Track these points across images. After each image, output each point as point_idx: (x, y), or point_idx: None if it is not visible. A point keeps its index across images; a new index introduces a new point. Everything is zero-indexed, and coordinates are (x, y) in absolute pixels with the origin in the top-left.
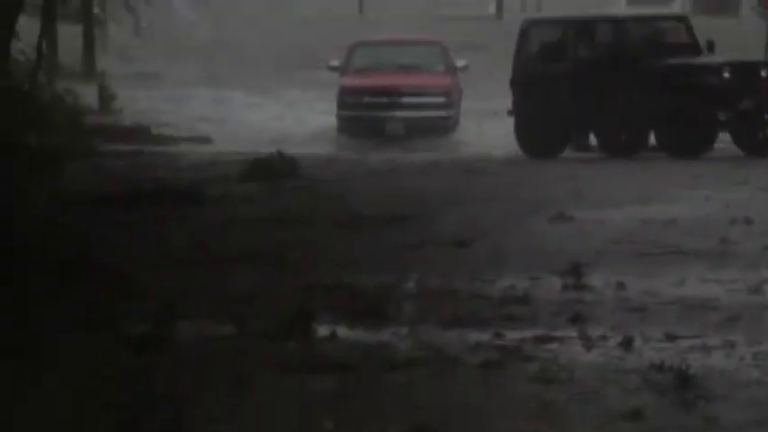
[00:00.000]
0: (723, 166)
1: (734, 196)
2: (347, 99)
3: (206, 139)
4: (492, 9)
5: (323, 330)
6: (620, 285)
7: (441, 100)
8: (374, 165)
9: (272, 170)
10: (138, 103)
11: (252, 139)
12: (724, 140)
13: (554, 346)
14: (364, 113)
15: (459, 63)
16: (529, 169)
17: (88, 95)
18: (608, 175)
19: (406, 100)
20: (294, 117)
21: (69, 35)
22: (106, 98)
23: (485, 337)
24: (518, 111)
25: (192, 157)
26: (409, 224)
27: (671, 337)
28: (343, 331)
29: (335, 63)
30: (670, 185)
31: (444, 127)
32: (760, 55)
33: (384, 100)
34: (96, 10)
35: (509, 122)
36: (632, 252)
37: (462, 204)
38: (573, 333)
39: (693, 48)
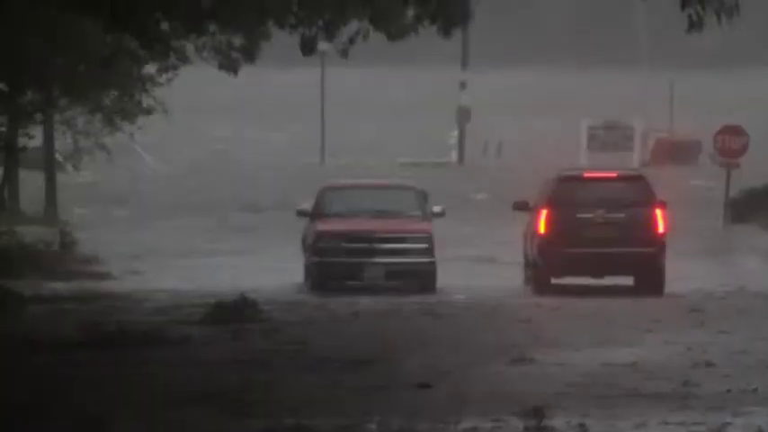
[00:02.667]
0: (679, 308)
1: (694, 339)
2: (323, 244)
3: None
4: (453, 156)
5: None
6: (582, 428)
7: (422, 246)
8: (336, 308)
9: (234, 314)
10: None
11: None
12: None
13: None
14: (342, 259)
15: (436, 209)
16: (489, 312)
17: (50, 240)
18: (566, 317)
19: (386, 246)
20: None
21: (31, 180)
22: (67, 243)
23: None
24: None
25: (153, 300)
26: (371, 367)
27: None
28: None
29: (305, 207)
30: (628, 328)
31: (427, 273)
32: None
33: (364, 245)
34: (58, 157)
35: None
36: (593, 395)
37: (424, 348)
38: None
39: None
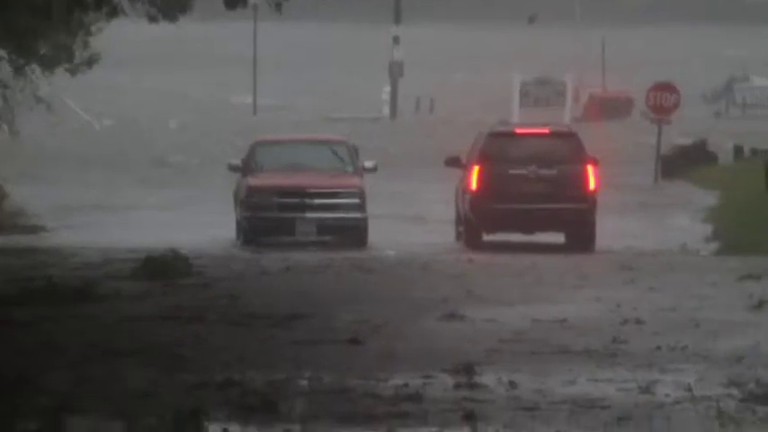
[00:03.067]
0: (611, 266)
1: (624, 296)
2: (254, 200)
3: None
4: (386, 111)
5: (215, 428)
6: (512, 384)
7: (353, 201)
8: (268, 264)
9: (165, 268)
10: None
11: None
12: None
13: None
14: (274, 214)
15: (367, 164)
16: (420, 268)
17: None
18: (497, 274)
19: (318, 201)
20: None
21: None
22: None
23: None
24: None
25: (84, 255)
26: (303, 322)
27: None
28: (235, 428)
29: (236, 162)
30: (559, 285)
31: (358, 228)
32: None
33: (295, 200)
34: None
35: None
36: (524, 351)
37: (355, 303)
38: (465, 431)
39: None
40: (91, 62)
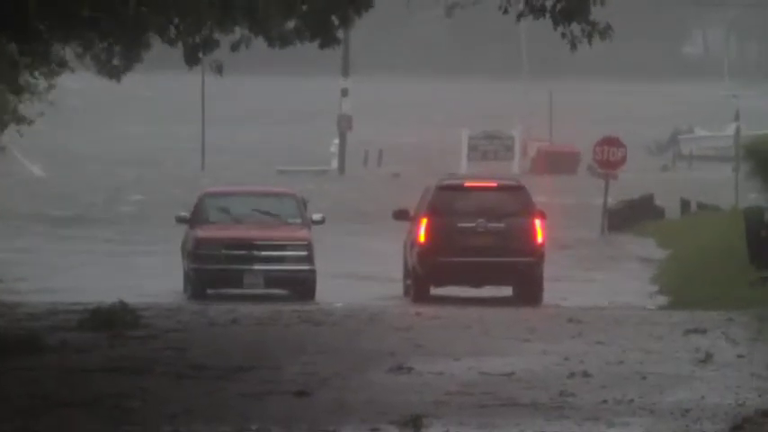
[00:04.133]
0: (558, 319)
1: (571, 349)
2: (202, 251)
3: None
4: (334, 164)
5: None
6: None
7: (301, 253)
8: (215, 315)
9: (112, 319)
10: None
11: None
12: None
13: None
14: (222, 266)
15: (315, 216)
16: (368, 320)
17: None
18: (445, 326)
19: (265, 253)
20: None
21: None
22: None
23: None
24: None
25: (30, 306)
26: (250, 374)
27: None
28: None
29: (184, 214)
30: (507, 338)
31: (306, 280)
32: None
33: (243, 252)
34: None
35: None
36: (471, 404)
37: (303, 355)
38: None
39: None
40: (31, 120)
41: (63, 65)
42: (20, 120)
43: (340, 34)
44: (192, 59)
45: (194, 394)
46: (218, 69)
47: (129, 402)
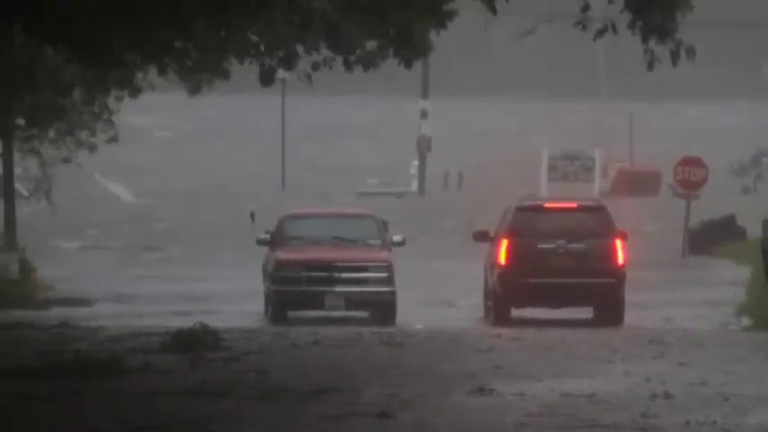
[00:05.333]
0: (640, 341)
1: (653, 370)
2: (283, 273)
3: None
4: (414, 185)
5: None
6: None
7: (382, 275)
8: (296, 337)
9: (193, 342)
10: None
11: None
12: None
13: None
14: (302, 288)
15: (396, 238)
16: (449, 342)
17: (9, 267)
18: (526, 348)
19: (346, 275)
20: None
21: None
22: (27, 270)
23: None
24: None
25: (112, 328)
26: (331, 396)
27: None
28: None
29: (265, 236)
30: (588, 359)
31: (387, 302)
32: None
33: (324, 274)
34: (17, 186)
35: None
36: (553, 425)
37: (384, 377)
38: None
39: None
40: (111, 140)
41: (136, 90)
42: (92, 147)
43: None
44: (267, 80)
45: (276, 416)
46: (308, 79)
47: (211, 425)
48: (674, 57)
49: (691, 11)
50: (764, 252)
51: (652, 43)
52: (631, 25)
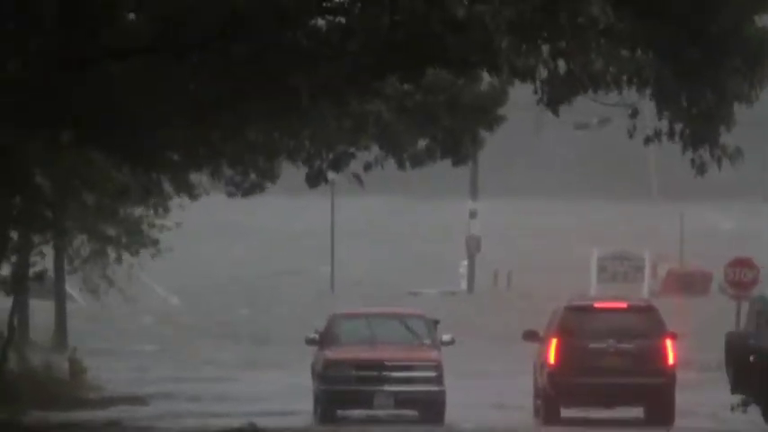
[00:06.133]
0: None
1: None
2: (332, 372)
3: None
4: (463, 285)
5: None
6: None
7: (431, 374)
8: None
9: None
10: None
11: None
12: None
13: None
14: (352, 387)
15: (445, 337)
16: None
17: (60, 368)
18: None
19: (395, 374)
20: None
21: (41, 309)
22: (77, 371)
23: None
24: None
25: (163, 429)
26: None
27: None
28: None
29: (314, 335)
30: None
31: (436, 402)
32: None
33: (373, 373)
34: (67, 288)
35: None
36: None
37: None
38: None
39: None
40: (157, 248)
41: (193, 195)
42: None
43: (468, 154)
44: (314, 181)
45: None
46: (358, 180)
47: None
48: (719, 162)
49: (735, 125)
50: (727, 363)
51: (696, 151)
52: (670, 134)
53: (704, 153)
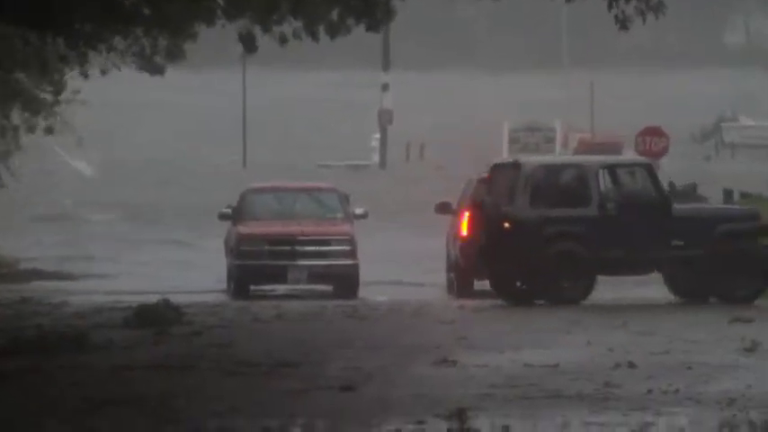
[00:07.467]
0: (601, 311)
1: (615, 340)
2: (245, 247)
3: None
4: (375, 158)
5: None
6: (505, 429)
7: (345, 248)
8: (259, 311)
9: (156, 317)
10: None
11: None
12: None
13: None
14: (265, 262)
15: (358, 211)
16: (411, 314)
17: None
18: (489, 319)
19: (309, 248)
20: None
21: None
22: None
23: None
24: None
25: (75, 304)
26: (295, 370)
27: None
28: None
29: (226, 210)
30: (550, 330)
31: (350, 275)
32: None
33: (286, 248)
34: None
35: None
36: (516, 396)
37: (347, 350)
38: None
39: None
40: (48, 132)
41: (105, 70)
42: (49, 130)
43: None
44: (250, 45)
45: (239, 391)
46: (282, 40)
47: (175, 400)
48: (642, 15)
49: None
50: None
51: (618, 7)
52: None
53: (627, 7)
